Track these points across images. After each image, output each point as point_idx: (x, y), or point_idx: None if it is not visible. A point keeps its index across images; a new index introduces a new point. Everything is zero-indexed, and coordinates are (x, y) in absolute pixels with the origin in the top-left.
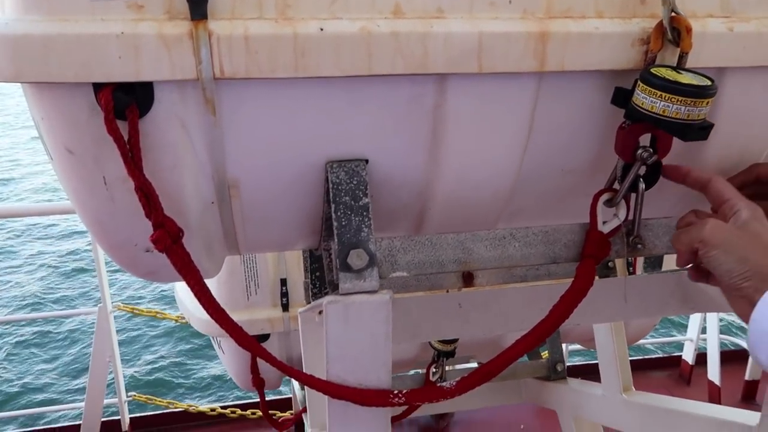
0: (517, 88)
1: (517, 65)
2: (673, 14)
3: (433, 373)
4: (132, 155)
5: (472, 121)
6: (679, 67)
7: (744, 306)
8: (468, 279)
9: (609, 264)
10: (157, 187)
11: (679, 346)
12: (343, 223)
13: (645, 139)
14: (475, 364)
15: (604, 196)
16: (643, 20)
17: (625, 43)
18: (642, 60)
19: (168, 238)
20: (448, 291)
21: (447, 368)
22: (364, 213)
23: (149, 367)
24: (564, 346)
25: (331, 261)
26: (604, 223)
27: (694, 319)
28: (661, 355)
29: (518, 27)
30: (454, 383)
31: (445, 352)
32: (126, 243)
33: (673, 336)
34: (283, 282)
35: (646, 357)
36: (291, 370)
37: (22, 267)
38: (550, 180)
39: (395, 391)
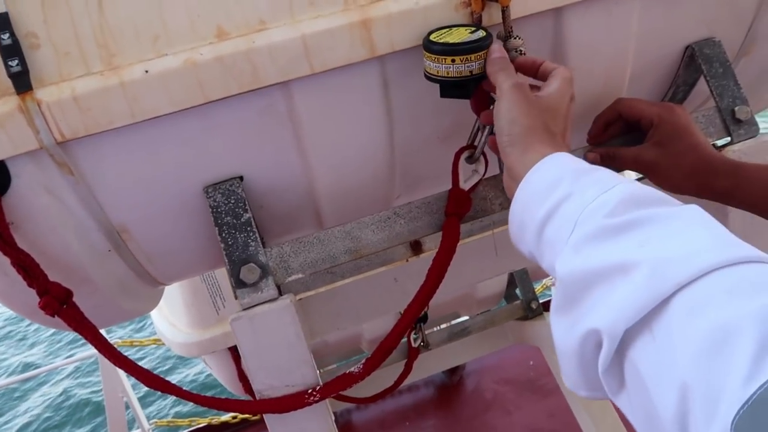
0: (362, 75)
1: (348, 57)
2: None
3: (414, 339)
4: (0, 234)
5: (328, 116)
6: (476, 25)
7: (510, 185)
8: (416, 247)
9: None
10: (43, 252)
11: None
12: (230, 242)
13: None
14: (462, 318)
15: (465, 153)
16: None
17: (449, 10)
18: (471, 22)
19: (56, 303)
20: (408, 261)
21: (436, 329)
22: (248, 228)
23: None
24: (551, 279)
25: None
26: (466, 181)
27: None
28: None
29: (340, 21)
30: (360, 366)
31: (417, 318)
32: (39, 310)
33: None
34: None
35: None
36: (196, 397)
37: None
38: (432, 149)
39: (309, 390)
